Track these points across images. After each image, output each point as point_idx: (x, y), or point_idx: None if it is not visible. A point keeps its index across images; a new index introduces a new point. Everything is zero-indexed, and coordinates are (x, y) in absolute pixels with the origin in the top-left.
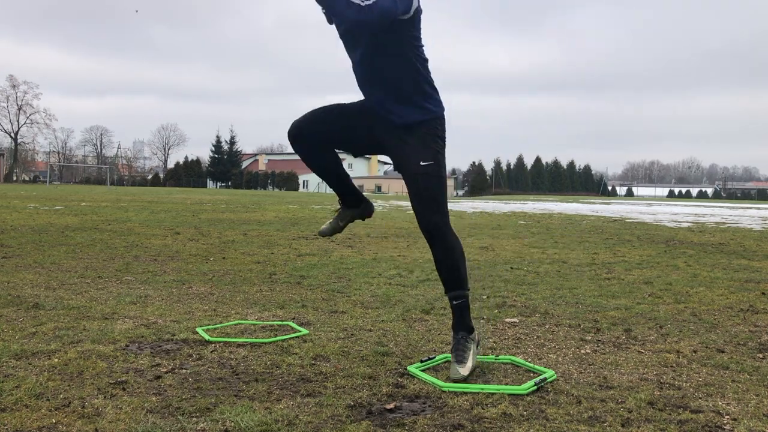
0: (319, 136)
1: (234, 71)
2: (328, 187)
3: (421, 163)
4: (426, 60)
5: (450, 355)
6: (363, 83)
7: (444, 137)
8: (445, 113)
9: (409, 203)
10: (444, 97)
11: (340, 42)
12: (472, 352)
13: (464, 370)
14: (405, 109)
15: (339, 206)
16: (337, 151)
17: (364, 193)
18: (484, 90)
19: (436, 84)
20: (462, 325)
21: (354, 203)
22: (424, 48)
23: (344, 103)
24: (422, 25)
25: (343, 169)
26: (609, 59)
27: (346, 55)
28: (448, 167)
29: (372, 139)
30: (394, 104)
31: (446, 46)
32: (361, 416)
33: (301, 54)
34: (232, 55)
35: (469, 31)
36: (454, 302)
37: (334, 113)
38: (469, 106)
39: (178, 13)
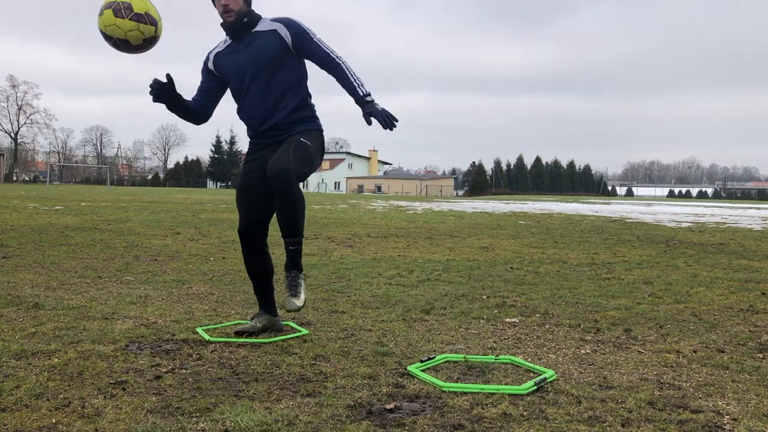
0: (263, 220)
1: None
2: (328, 187)
3: (301, 138)
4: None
5: (450, 355)
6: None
7: (323, 150)
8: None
9: (409, 203)
10: (445, 96)
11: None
12: (303, 287)
13: (299, 302)
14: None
15: (256, 315)
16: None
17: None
18: (485, 90)
19: (442, 83)
20: (295, 266)
21: (273, 313)
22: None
23: (244, 182)
24: (422, 25)
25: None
26: (609, 59)
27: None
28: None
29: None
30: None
31: (447, 46)
32: (361, 416)
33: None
34: None
35: (469, 30)
36: (291, 247)
37: (250, 194)
38: (469, 106)
39: (183, 13)
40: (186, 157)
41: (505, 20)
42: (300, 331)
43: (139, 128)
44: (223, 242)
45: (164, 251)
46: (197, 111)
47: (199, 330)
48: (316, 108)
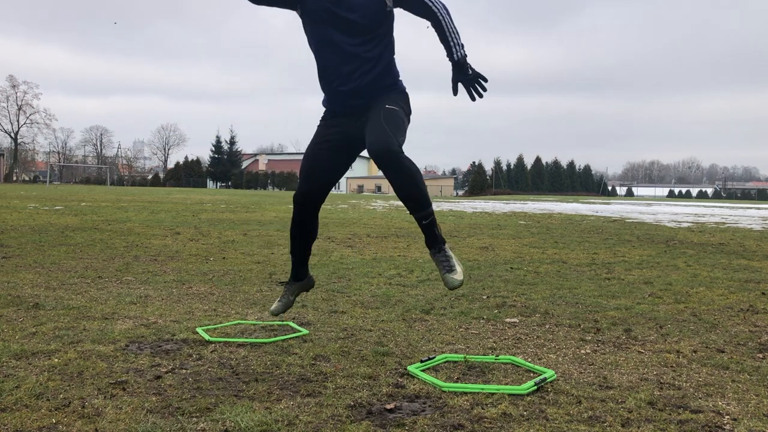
0: (324, 195)
1: (239, 71)
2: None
3: (387, 105)
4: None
5: (450, 355)
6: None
7: (410, 110)
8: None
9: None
10: (446, 96)
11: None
12: (455, 258)
13: (458, 276)
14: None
15: (284, 282)
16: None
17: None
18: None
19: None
20: (436, 240)
21: (303, 275)
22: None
23: (315, 146)
24: (410, 24)
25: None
26: (609, 60)
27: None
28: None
29: (352, 143)
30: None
31: (435, 45)
32: (361, 416)
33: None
34: (239, 55)
35: (475, 30)
36: (424, 222)
37: (318, 160)
38: (469, 106)
39: (190, 14)
40: (186, 157)
41: (509, 20)
42: (300, 331)
43: (139, 128)
44: (223, 242)
45: (164, 251)
46: None
47: (199, 330)
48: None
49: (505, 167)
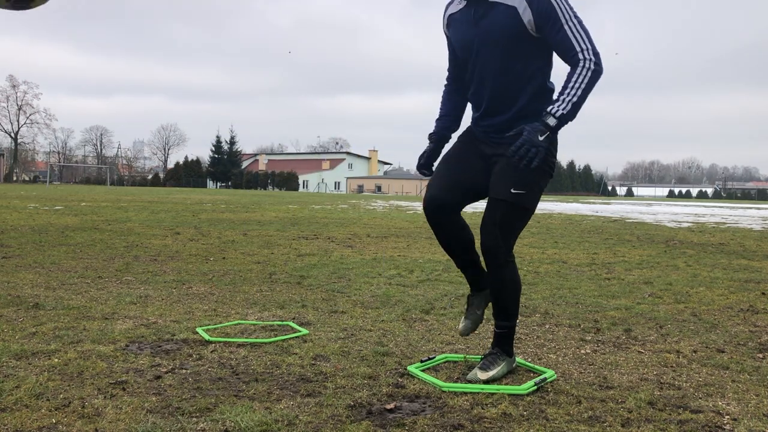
0: (456, 199)
1: (239, 71)
2: (328, 187)
3: (512, 191)
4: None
5: (450, 355)
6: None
7: (553, 166)
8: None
9: (409, 203)
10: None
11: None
12: (500, 368)
13: (484, 376)
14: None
15: (468, 299)
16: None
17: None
18: None
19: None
20: (499, 344)
21: (484, 284)
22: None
23: (452, 153)
24: (420, 25)
25: (475, 250)
26: (609, 60)
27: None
28: None
29: (486, 165)
30: (516, 121)
31: (440, 46)
32: (361, 416)
33: (319, 54)
34: (240, 55)
35: None
36: (498, 330)
37: (453, 167)
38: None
39: (196, 13)
40: (186, 157)
41: None
42: (300, 331)
43: (139, 128)
44: (223, 242)
45: (164, 251)
46: (458, 104)
47: (199, 330)
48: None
49: None
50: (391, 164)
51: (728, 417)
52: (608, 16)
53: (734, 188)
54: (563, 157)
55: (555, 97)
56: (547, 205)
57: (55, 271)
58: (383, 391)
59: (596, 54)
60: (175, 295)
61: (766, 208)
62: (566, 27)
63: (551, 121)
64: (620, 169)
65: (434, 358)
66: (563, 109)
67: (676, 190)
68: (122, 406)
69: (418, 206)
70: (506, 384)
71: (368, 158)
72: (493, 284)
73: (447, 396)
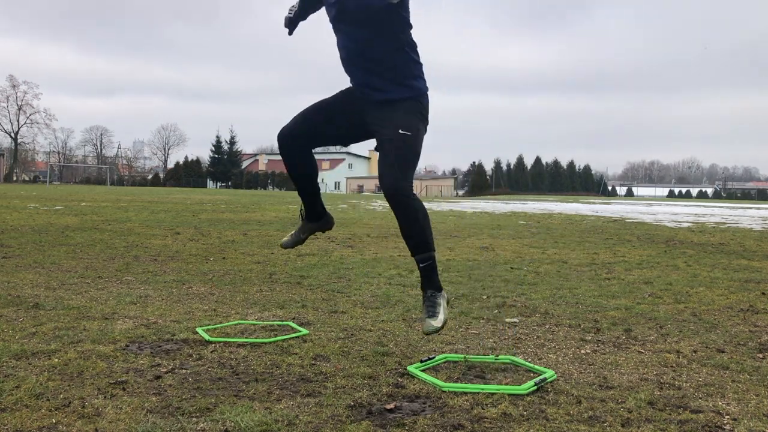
0: (308, 135)
1: (240, 71)
2: (328, 187)
3: (400, 131)
4: (413, 42)
5: (450, 355)
6: (350, 63)
7: (426, 116)
8: (428, 93)
9: None
10: (448, 96)
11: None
12: (442, 306)
13: (437, 322)
14: (391, 87)
15: (301, 219)
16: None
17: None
18: (486, 90)
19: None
20: (431, 284)
21: (317, 217)
22: (412, 31)
23: (325, 99)
24: (422, 24)
25: (317, 182)
26: (609, 60)
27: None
28: (448, 167)
29: (357, 123)
30: (381, 82)
31: (462, 47)
32: (361, 416)
33: (319, 53)
34: (241, 55)
35: (483, 31)
36: (421, 265)
37: (318, 109)
38: (470, 106)
39: (197, 13)
40: (186, 157)
41: (513, 21)
42: (300, 331)
43: (139, 128)
44: (223, 242)
45: (164, 251)
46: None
47: (199, 330)
48: (420, 63)
49: (505, 167)
50: None
51: (728, 417)
52: (609, 17)
53: (734, 188)
54: (563, 157)
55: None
56: (547, 205)
57: (55, 271)
58: (383, 391)
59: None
60: (175, 295)
61: (766, 208)
62: None
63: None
64: (620, 169)
65: (434, 358)
66: None
67: (676, 190)
68: (122, 406)
69: None
70: (506, 384)
71: (368, 158)
72: (407, 220)
73: (447, 396)
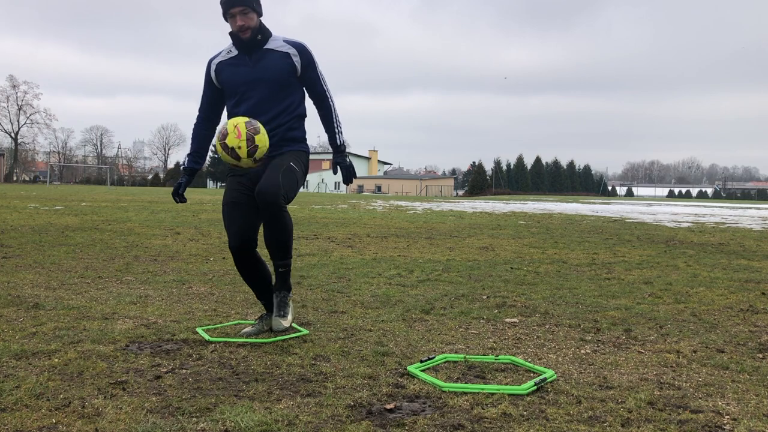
0: (254, 233)
1: None
2: (328, 187)
3: (291, 163)
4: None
5: (450, 355)
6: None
7: (306, 168)
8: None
9: (409, 203)
10: (448, 96)
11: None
12: (291, 307)
13: (286, 322)
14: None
15: (262, 319)
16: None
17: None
18: (486, 90)
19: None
20: (284, 286)
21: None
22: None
23: (231, 197)
24: (426, 25)
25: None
26: (609, 60)
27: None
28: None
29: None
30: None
31: (464, 47)
32: (361, 416)
33: (319, 53)
34: None
35: (485, 31)
36: (281, 269)
37: (235, 215)
38: (470, 106)
39: (199, 13)
40: None
41: (517, 21)
42: (300, 331)
43: (139, 128)
44: (223, 242)
45: (164, 251)
46: (208, 139)
47: (199, 330)
48: (305, 130)
49: (505, 167)
50: (391, 164)
51: (728, 417)
52: (609, 17)
53: (734, 188)
54: (563, 157)
55: (327, 131)
56: (547, 205)
57: (55, 271)
58: (383, 391)
59: (332, 97)
60: (175, 295)
61: (766, 208)
62: (318, 74)
63: (343, 149)
64: (620, 169)
65: (434, 358)
66: (342, 139)
67: (676, 190)
68: (122, 406)
69: (419, 206)
70: (506, 384)
71: (368, 158)
72: (275, 229)
73: (447, 396)
